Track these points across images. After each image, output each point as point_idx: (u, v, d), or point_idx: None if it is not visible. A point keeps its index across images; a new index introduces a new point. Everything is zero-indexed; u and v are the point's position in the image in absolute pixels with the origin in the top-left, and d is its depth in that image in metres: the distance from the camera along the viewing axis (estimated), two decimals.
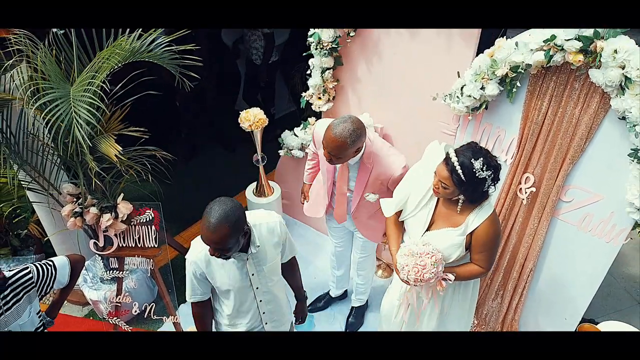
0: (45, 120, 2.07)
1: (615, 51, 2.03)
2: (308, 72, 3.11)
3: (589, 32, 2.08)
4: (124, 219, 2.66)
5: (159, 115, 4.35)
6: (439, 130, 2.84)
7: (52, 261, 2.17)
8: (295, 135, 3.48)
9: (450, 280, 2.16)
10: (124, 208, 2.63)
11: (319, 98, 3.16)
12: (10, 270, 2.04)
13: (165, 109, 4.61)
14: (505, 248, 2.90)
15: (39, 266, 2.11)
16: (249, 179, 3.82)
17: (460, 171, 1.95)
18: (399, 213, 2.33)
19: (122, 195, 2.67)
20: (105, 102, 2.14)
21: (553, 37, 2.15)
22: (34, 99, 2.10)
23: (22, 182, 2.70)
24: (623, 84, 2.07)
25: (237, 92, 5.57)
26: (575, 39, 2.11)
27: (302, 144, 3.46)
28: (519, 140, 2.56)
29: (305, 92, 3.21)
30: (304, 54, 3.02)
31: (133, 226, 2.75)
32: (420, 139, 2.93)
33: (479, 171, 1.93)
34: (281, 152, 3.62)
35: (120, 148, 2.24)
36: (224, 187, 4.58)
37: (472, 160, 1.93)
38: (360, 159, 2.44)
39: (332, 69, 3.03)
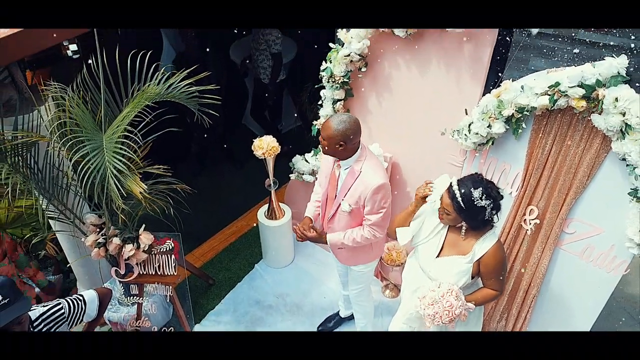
0: (79, 169, 2.17)
1: (617, 99, 2.15)
2: (320, 102, 3.22)
3: (591, 80, 2.20)
4: (145, 249, 2.78)
5: (170, 132, 4.46)
6: (446, 162, 2.96)
7: (82, 295, 2.29)
8: (306, 161, 3.60)
9: (472, 309, 2.29)
10: (146, 239, 2.75)
11: None
12: (44, 306, 2.15)
13: (176, 126, 4.71)
14: (510, 274, 3.02)
15: (70, 301, 2.22)
16: (257, 195, 3.88)
17: (459, 198, 2.13)
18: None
19: (143, 225, 2.79)
20: (134, 147, 2.25)
21: (557, 83, 2.27)
22: (73, 151, 2.21)
23: (47, 213, 2.81)
24: (624, 129, 2.19)
25: (244, 107, 5.68)
26: (579, 85, 2.22)
27: (312, 169, 3.57)
28: (523, 175, 2.68)
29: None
30: (317, 86, 3.13)
31: (153, 255, 2.86)
32: (428, 169, 3.06)
33: (477, 200, 2.11)
34: (292, 176, 3.73)
35: (145, 187, 2.35)
36: (234, 204, 4.70)
37: (472, 190, 2.12)
38: (352, 165, 2.51)
39: (343, 100, 3.15)
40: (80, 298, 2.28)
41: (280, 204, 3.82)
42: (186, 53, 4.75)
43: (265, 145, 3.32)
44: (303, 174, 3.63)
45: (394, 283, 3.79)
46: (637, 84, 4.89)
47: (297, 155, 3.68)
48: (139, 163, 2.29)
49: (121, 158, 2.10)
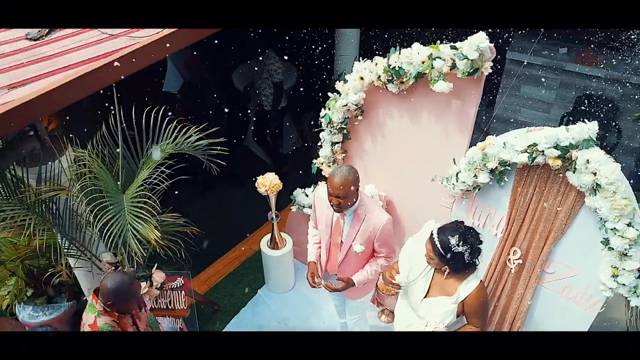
0: (104, 232, 2.40)
1: (588, 161, 2.36)
2: (321, 139, 3.41)
3: (565, 142, 2.41)
4: (157, 287, 3.00)
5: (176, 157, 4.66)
6: (436, 203, 3.18)
7: None
8: (306, 195, 3.81)
9: None
10: (158, 277, 2.97)
11: (329, 166, 3.49)
12: None
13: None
14: (496, 307, 3.24)
15: None
16: (259, 216, 4.08)
17: (438, 245, 2.38)
18: None
19: (156, 265, 3.01)
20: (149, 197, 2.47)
21: (535, 144, 2.48)
22: (99, 217, 2.43)
23: (66, 251, 3.03)
24: (594, 187, 2.40)
25: (246, 130, 5.87)
26: (554, 147, 2.44)
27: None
28: (507, 219, 2.90)
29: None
30: (317, 130, 3.35)
31: (165, 291, 3.09)
32: (420, 209, 3.28)
33: (455, 246, 2.35)
34: (293, 209, 3.95)
35: (159, 234, 2.56)
36: (237, 225, 4.88)
37: (449, 237, 2.36)
38: (355, 210, 2.73)
39: (340, 143, 3.36)
40: None
41: (281, 233, 4.04)
42: (192, 81, 4.98)
43: (268, 183, 3.54)
44: (304, 207, 3.85)
45: (389, 309, 4.01)
46: (622, 111, 5.08)
47: (297, 189, 3.90)
48: (151, 218, 2.51)
49: (140, 216, 2.32)
